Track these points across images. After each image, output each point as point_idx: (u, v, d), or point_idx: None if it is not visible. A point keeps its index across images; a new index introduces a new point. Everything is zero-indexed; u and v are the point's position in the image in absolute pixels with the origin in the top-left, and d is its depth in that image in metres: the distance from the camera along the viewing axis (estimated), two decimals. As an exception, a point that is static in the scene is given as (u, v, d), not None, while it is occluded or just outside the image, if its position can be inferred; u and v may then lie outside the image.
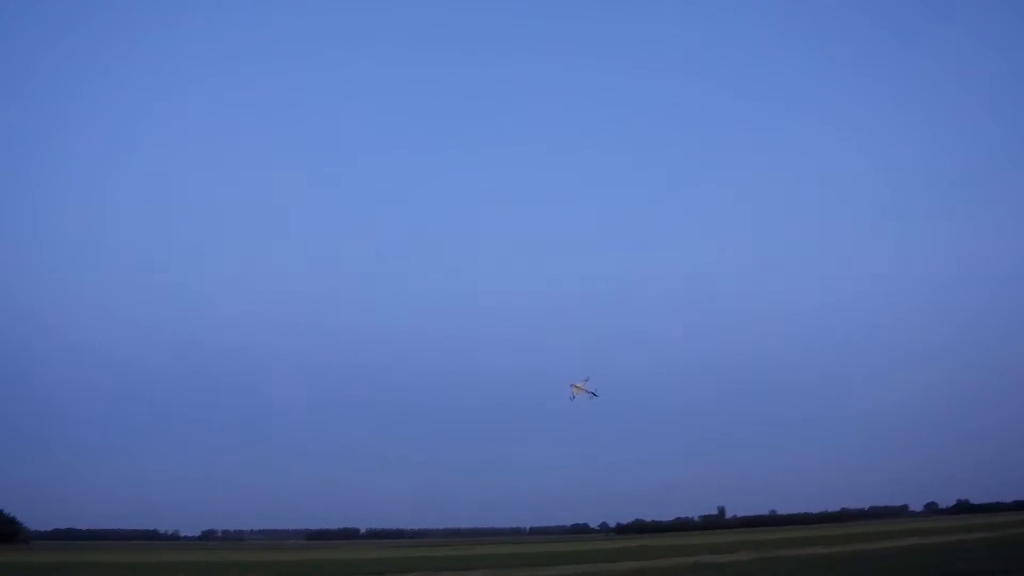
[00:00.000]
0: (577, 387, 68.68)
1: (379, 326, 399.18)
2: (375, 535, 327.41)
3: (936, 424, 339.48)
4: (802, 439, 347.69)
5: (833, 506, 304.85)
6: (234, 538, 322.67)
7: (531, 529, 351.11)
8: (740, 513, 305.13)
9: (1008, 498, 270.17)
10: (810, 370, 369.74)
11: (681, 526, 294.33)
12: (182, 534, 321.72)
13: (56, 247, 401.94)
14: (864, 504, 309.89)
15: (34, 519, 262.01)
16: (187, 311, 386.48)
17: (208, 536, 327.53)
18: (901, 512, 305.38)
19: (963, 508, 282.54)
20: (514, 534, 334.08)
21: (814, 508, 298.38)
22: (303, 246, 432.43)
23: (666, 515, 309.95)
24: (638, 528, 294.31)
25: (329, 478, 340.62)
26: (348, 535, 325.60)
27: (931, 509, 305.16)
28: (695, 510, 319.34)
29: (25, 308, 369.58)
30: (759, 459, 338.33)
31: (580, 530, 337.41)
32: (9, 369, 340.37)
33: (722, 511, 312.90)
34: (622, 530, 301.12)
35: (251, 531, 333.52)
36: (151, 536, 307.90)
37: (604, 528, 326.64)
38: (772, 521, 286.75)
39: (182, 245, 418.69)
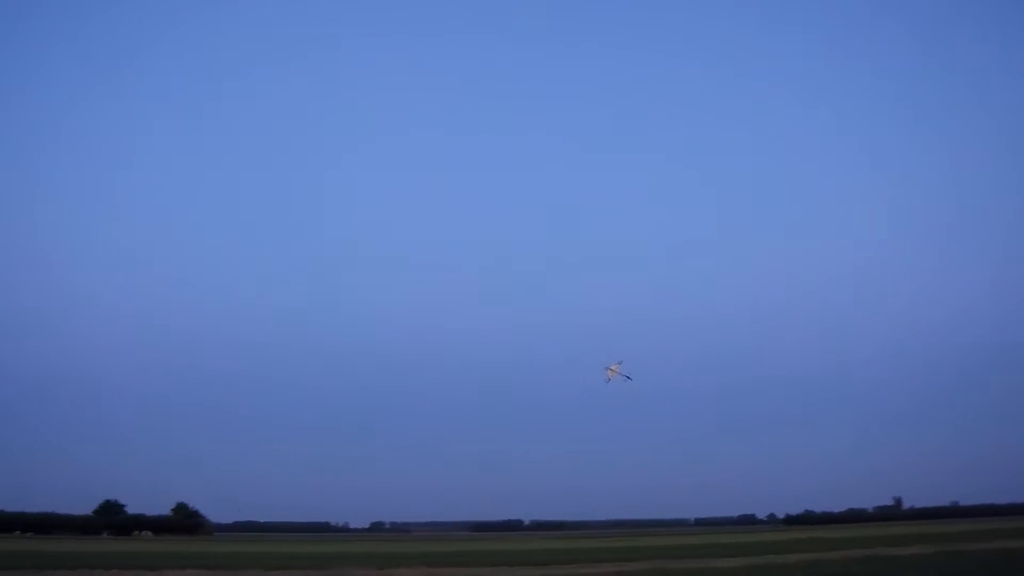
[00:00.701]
0: (611, 370, 67.44)
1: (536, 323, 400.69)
2: (538, 527, 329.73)
3: None
4: (988, 422, 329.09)
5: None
6: (401, 530, 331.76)
7: (696, 520, 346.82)
8: (918, 504, 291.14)
9: None
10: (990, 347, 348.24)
11: (853, 517, 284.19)
12: (351, 526, 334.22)
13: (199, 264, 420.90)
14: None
15: (216, 512, 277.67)
16: (352, 324, 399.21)
17: (376, 528, 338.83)
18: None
19: None
20: (678, 525, 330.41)
21: (1002, 499, 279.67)
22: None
23: (837, 506, 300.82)
24: (808, 519, 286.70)
25: (492, 471, 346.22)
26: (511, 527, 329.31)
27: None
28: (868, 500, 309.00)
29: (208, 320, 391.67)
30: (939, 445, 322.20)
31: (747, 521, 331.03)
32: (193, 374, 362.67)
33: (898, 501, 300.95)
34: (791, 521, 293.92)
35: (417, 523, 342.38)
36: (323, 528, 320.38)
37: (772, 519, 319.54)
38: (954, 513, 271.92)
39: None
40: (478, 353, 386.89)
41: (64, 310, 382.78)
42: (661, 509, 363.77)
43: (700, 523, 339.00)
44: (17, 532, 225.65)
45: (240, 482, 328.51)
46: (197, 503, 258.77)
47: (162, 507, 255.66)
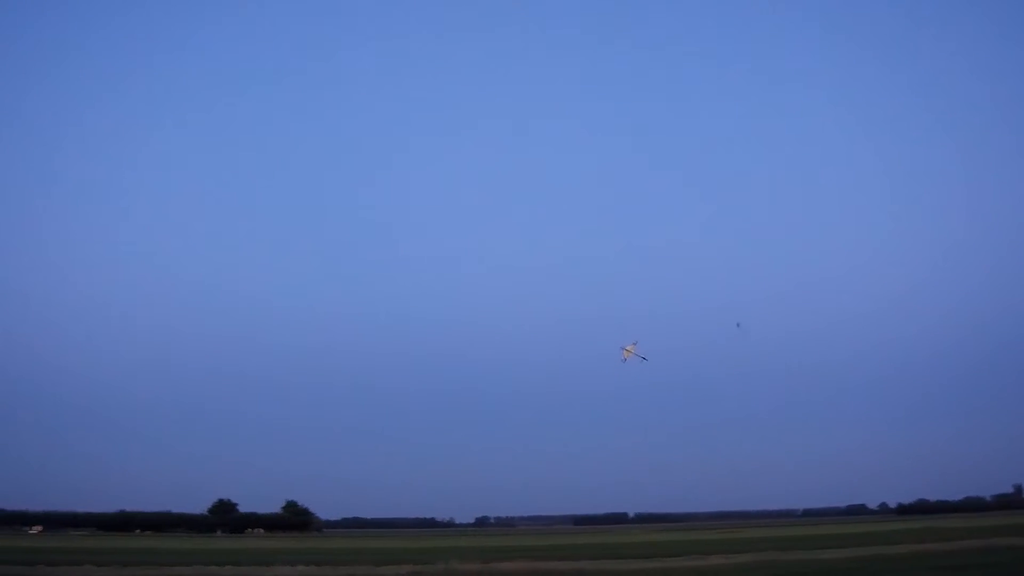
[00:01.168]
0: (627, 350, 66.51)
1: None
2: (643, 519, 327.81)
3: None
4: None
5: None
6: (506, 524, 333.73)
7: (804, 511, 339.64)
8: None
9: None
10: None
11: (971, 506, 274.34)
12: (457, 521, 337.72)
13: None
14: None
15: (325, 510, 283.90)
16: (456, 328, 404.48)
17: (481, 523, 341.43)
18: None
19: None
20: (785, 516, 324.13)
21: None
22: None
23: (953, 494, 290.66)
24: (922, 508, 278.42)
25: (596, 465, 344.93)
26: (616, 520, 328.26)
27: None
28: (987, 489, 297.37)
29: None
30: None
31: (857, 511, 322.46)
32: (303, 381, 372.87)
33: (1019, 489, 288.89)
34: (903, 511, 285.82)
35: (521, 517, 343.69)
36: (429, 524, 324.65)
37: (884, 509, 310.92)
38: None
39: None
40: (571, 349, 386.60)
41: (169, 324, 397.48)
42: (767, 500, 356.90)
43: (808, 514, 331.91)
44: (137, 530, 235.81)
45: (348, 480, 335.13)
46: (306, 501, 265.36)
47: (273, 505, 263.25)
